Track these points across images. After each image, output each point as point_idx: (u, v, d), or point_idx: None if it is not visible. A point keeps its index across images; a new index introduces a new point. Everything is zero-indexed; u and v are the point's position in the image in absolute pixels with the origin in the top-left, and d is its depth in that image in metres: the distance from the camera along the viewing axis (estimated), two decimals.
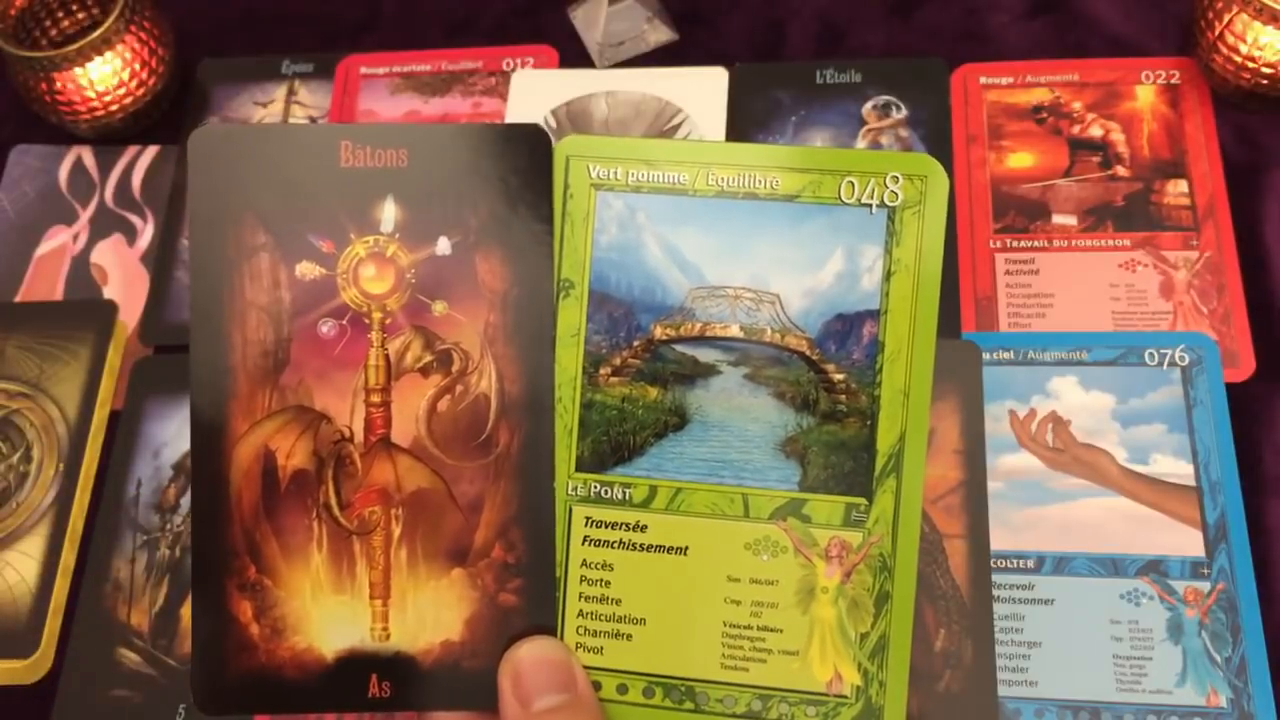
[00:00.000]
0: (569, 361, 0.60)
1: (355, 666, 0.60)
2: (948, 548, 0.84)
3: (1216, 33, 0.98)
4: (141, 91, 1.08)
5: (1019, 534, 0.86)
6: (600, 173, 0.60)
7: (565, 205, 0.60)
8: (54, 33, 1.12)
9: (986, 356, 0.90)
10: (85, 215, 1.09)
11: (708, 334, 0.60)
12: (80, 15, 1.13)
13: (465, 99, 1.11)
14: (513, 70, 1.11)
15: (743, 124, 1.06)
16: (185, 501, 0.94)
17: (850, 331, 0.59)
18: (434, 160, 0.60)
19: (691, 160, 0.60)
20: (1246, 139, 1.00)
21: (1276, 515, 0.86)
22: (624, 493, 0.60)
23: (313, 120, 1.11)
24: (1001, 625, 0.84)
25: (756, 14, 1.13)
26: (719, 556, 0.60)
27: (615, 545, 0.60)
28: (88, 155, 1.12)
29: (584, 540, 0.61)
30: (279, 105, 1.13)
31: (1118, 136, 1.01)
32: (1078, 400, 0.90)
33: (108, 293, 1.05)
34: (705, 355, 0.61)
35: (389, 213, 0.59)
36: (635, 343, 0.60)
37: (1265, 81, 0.97)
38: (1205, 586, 0.83)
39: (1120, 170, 0.99)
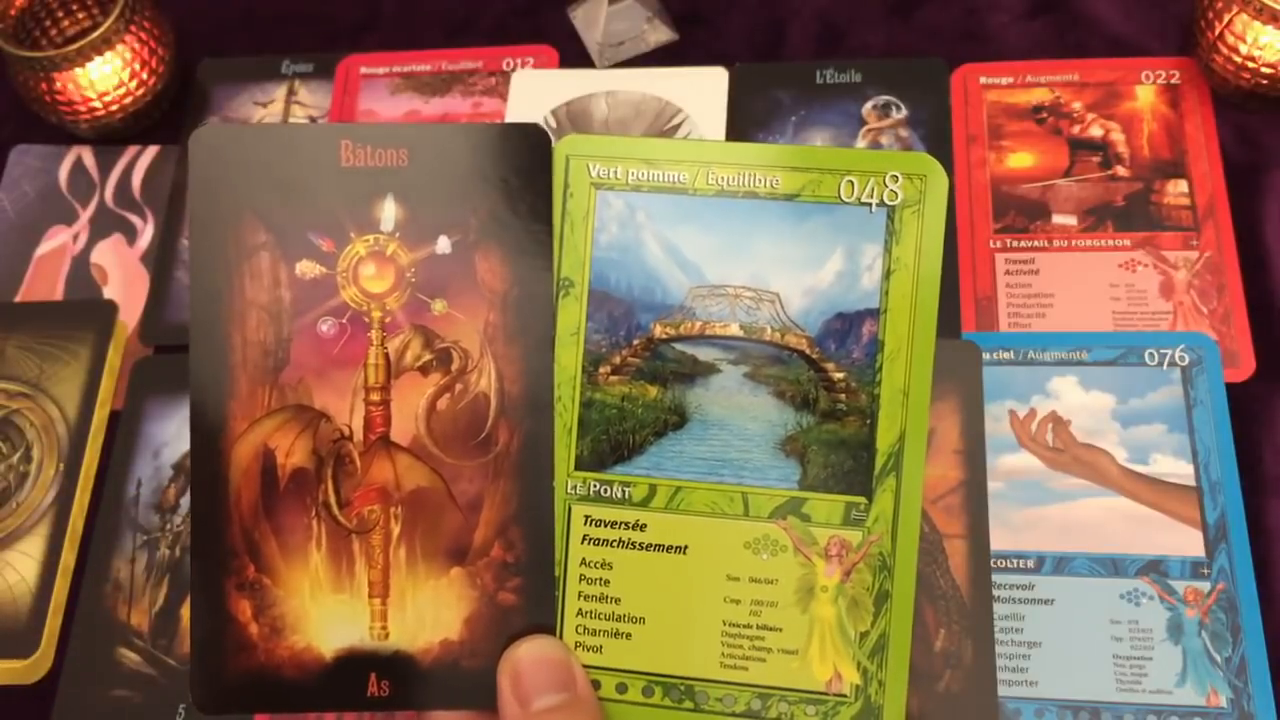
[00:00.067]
0: (569, 360, 0.60)
1: (354, 666, 0.60)
2: (948, 548, 0.84)
3: (1216, 33, 0.98)
4: (141, 91, 1.08)
5: (1019, 534, 0.86)
6: (600, 172, 0.60)
7: (565, 204, 0.60)
8: (54, 33, 1.12)
9: (986, 356, 0.90)
10: (85, 215, 1.09)
11: (707, 333, 0.60)
12: (80, 15, 1.13)
13: (465, 99, 1.11)
14: (513, 70, 1.11)
15: (743, 124, 1.06)
16: (185, 501, 0.94)
17: (850, 330, 0.59)
18: (434, 159, 0.60)
19: (691, 159, 0.60)
20: (1246, 139, 1.00)
21: (1276, 515, 0.86)
22: (623, 492, 0.60)
23: (313, 120, 1.11)
24: (1001, 625, 0.84)
25: (756, 14, 1.13)
26: (718, 555, 0.60)
27: (615, 544, 0.60)
28: (88, 155, 1.12)
29: (583, 539, 0.61)
30: (279, 105, 1.13)
31: (1118, 136, 1.01)
32: (1078, 400, 0.90)
33: (108, 293, 1.05)
34: (705, 354, 0.61)
35: (389, 212, 0.59)
36: (635, 341, 0.60)
37: (1265, 81, 0.97)
38: (1205, 586, 0.83)
39: (1120, 170, 0.99)
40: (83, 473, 0.96)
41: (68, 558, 0.93)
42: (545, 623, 0.60)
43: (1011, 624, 0.84)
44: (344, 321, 0.60)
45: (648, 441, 0.61)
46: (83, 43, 1.03)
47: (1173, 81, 1.03)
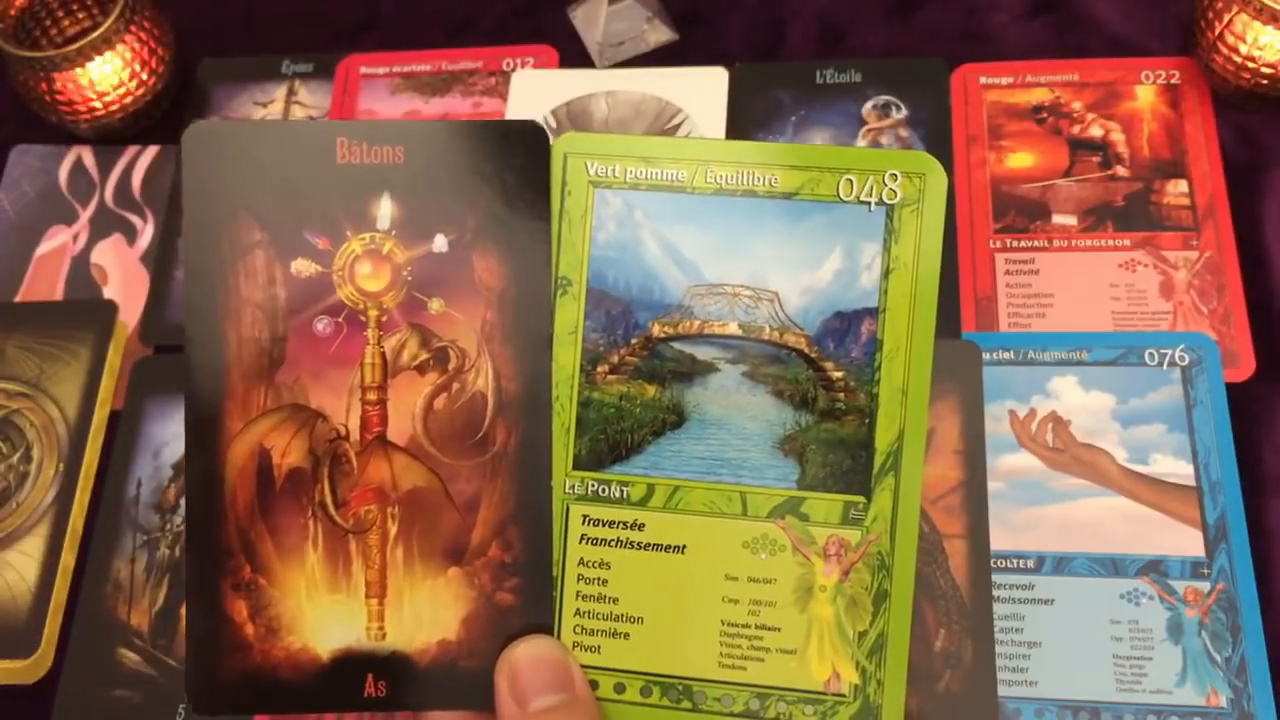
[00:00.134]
0: (566, 359, 0.60)
1: (351, 666, 0.60)
2: (948, 548, 0.84)
3: (1216, 33, 0.97)
4: (141, 91, 1.08)
5: (1019, 534, 0.86)
6: (598, 170, 0.60)
7: (563, 203, 0.60)
8: (54, 33, 1.12)
9: (986, 356, 0.90)
10: (85, 215, 1.09)
11: (706, 332, 0.60)
12: (80, 15, 1.13)
13: (465, 99, 1.11)
14: (513, 70, 1.11)
15: (743, 124, 1.06)
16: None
17: (849, 329, 0.59)
18: (431, 157, 0.59)
19: (690, 158, 0.60)
20: (1246, 139, 1.00)
21: (1276, 515, 0.86)
22: (621, 491, 0.60)
23: (312, 120, 1.11)
24: (1001, 625, 0.84)
25: (756, 14, 1.13)
26: (717, 555, 0.60)
27: (613, 544, 0.60)
28: (88, 155, 1.12)
29: (581, 539, 0.61)
30: (279, 105, 1.13)
31: (1118, 136, 1.01)
32: (1078, 400, 0.90)
33: (108, 293, 1.05)
34: (703, 353, 0.60)
35: (385, 210, 0.59)
36: (633, 340, 0.60)
37: (1265, 81, 0.97)
38: (1205, 586, 0.83)
39: (1120, 170, 0.99)
40: (83, 473, 0.95)
41: (68, 558, 0.93)
42: (543, 623, 0.60)
43: (1011, 624, 0.84)
44: (340, 320, 0.59)
45: (646, 441, 0.60)
46: (83, 43, 1.03)
47: (1173, 81, 1.03)
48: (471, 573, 0.60)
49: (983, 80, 1.05)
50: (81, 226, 1.08)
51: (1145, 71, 1.03)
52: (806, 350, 0.60)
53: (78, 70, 1.05)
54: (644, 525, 0.60)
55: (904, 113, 1.04)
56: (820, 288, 0.59)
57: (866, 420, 0.59)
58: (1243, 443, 0.88)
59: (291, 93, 1.13)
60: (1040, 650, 0.83)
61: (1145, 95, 1.02)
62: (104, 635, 0.90)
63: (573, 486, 0.61)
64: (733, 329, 0.60)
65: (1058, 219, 0.98)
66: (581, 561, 0.61)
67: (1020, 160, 1.01)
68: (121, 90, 1.07)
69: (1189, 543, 0.85)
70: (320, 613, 0.59)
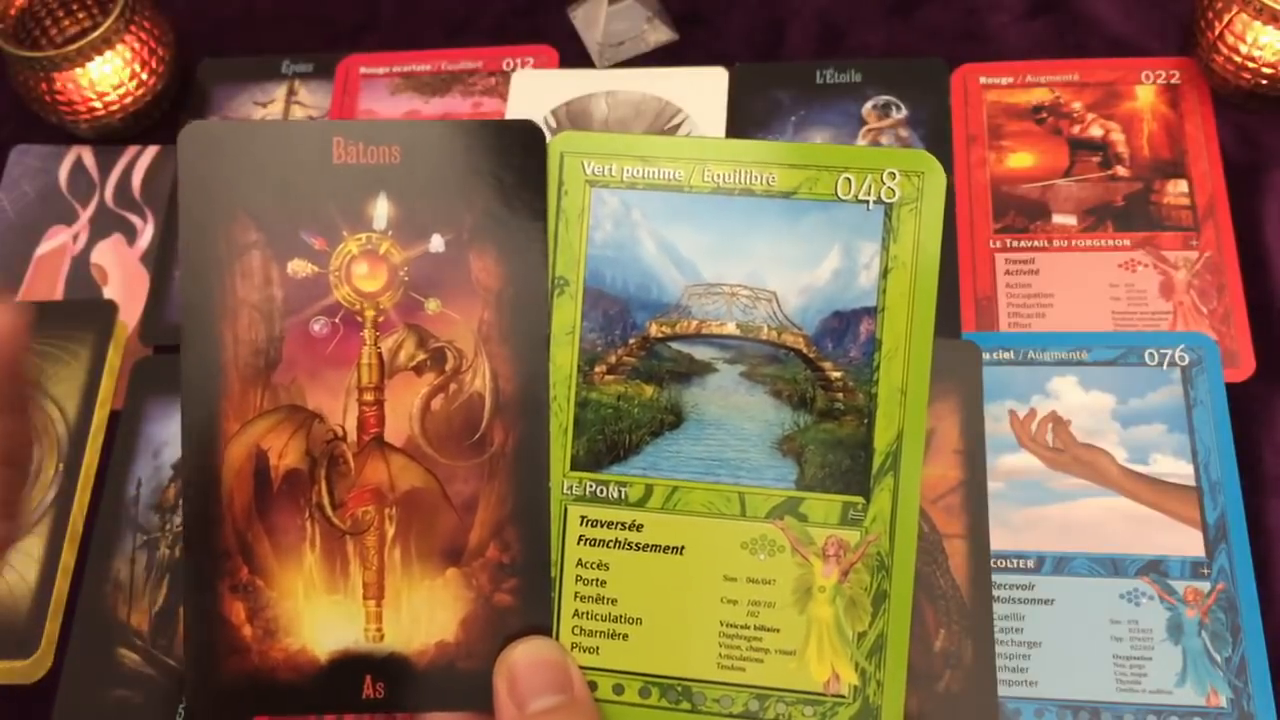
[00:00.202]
0: (564, 359, 0.60)
1: (349, 668, 0.60)
2: (948, 548, 0.84)
3: (1216, 33, 0.97)
4: (141, 91, 1.08)
5: (1019, 534, 0.86)
6: (595, 169, 0.60)
7: (560, 202, 0.60)
8: (54, 33, 1.12)
9: (986, 356, 0.90)
10: (85, 215, 1.09)
11: (704, 331, 0.60)
12: (80, 15, 1.13)
13: (465, 99, 1.10)
14: (513, 70, 1.11)
15: (743, 124, 1.06)
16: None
17: (847, 329, 0.59)
18: (427, 157, 0.59)
19: (687, 157, 0.60)
20: (1246, 139, 1.00)
21: (1276, 515, 0.86)
22: (620, 492, 0.60)
23: (312, 120, 1.11)
24: (1001, 625, 0.84)
25: (756, 14, 1.12)
26: (715, 556, 0.60)
27: (611, 545, 0.60)
28: (88, 155, 1.12)
29: (579, 540, 0.61)
30: (279, 105, 1.13)
31: (1118, 136, 1.01)
32: (1078, 400, 0.90)
33: (108, 293, 1.05)
34: (701, 353, 0.61)
35: (382, 210, 0.59)
36: (631, 340, 0.60)
37: (1265, 81, 0.96)
38: (1205, 586, 0.83)
39: (1120, 170, 0.99)
40: (83, 473, 0.95)
41: (68, 558, 0.93)
42: (541, 624, 0.60)
43: (1011, 624, 0.84)
44: (336, 321, 0.59)
45: (644, 441, 0.60)
46: (83, 43, 1.03)
47: (1173, 81, 1.03)
48: (469, 574, 0.60)
49: (983, 80, 1.05)
50: (81, 226, 1.08)
51: (1145, 71, 1.03)
52: (805, 350, 0.60)
53: (78, 70, 1.05)
54: (642, 526, 0.60)
55: (904, 113, 1.04)
56: (818, 287, 0.59)
57: (865, 420, 0.59)
58: (1243, 443, 0.88)
59: (291, 93, 1.13)
60: (1040, 650, 0.83)
61: (1145, 95, 1.02)
62: (104, 635, 0.90)
63: (571, 487, 0.61)
64: (730, 329, 0.60)
65: (1058, 219, 0.98)
66: (580, 562, 0.61)
67: (1020, 160, 1.01)
68: (121, 90, 1.07)
69: (1189, 543, 0.85)
70: (318, 614, 0.59)
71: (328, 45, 1.16)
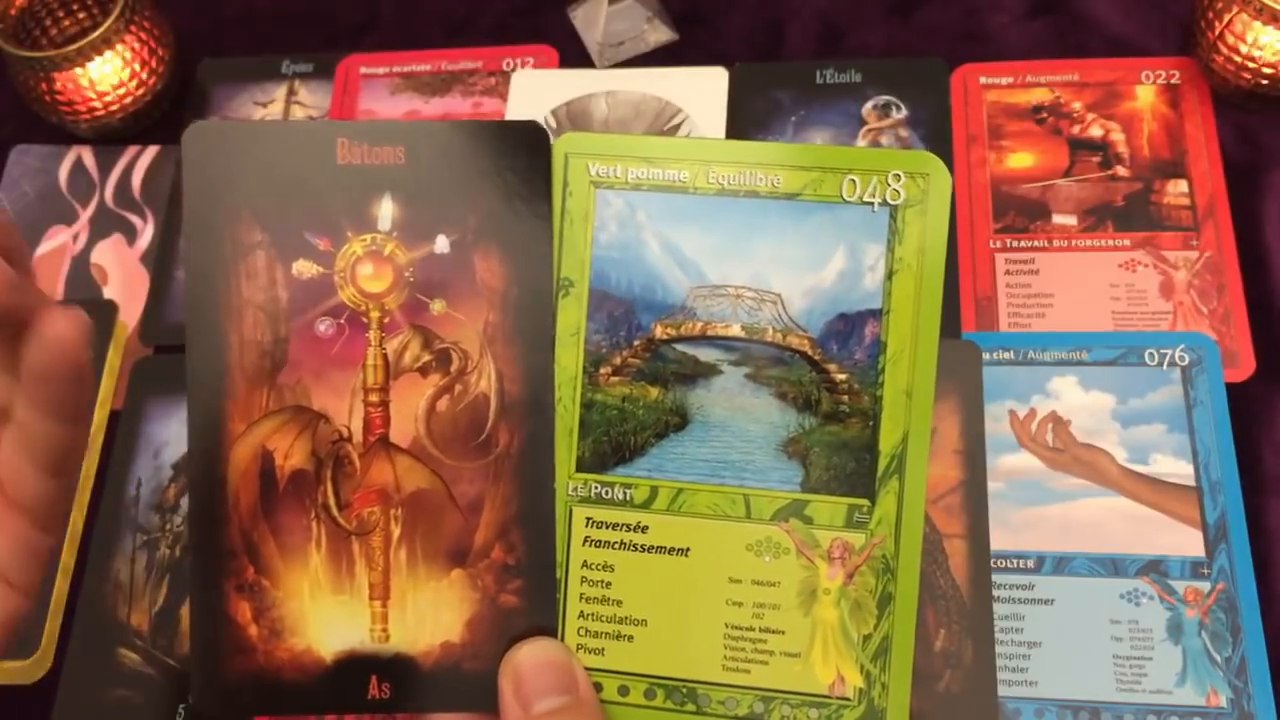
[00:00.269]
0: (569, 361, 0.60)
1: (355, 668, 0.60)
2: (948, 548, 0.84)
3: (1216, 33, 0.98)
4: (141, 91, 1.08)
5: (1019, 534, 0.86)
6: (600, 170, 0.60)
7: (564, 203, 0.60)
8: (54, 33, 1.12)
9: (986, 356, 0.90)
10: (85, 215, 1.09)
11: (709, 333, 0.60)
12: (80, 15, 1.13)
13: (465, 99, 1.10)
14: (513, 70, 1.11)
15: (743, 124, 1.06)
16: (185, 501, 0.93)
17: (852, 331, 0.59)
18: (432, 157, 0.59)
19: (692, 158, 0.60)
20: (1246, 139, 1.00)
21: (1276, 515, 0.86)
22: (625, 493, 0.60)
23: (312, 120, 1.11)
24: (1001, 625, 0.84)
25: (756, 14, 1.12)
26: (720, 558, 0.60)
27: (616, 546, 0.60)
28: (88, 155, 1.12)
29: (585, 541, 0.61)
30: (279, 105, 1.12)
31: (1118, 136, 1.01)
32: (1078, 400, 0.90)
33: (108, 293, 1.05)
34: (706, 355, 0.60)
35: (386, 210, 0.59)
36: (636, 342, 0.60)
37: (1265, 81, 0.97)
38: (1205, 586, 0.83)
39: (1120, 170, 0.99)
40: (83, 473, 0.95)
41: (67, 558, 0.92)
42: (547, 625, 0.60)
43: (1011, 624, 0.84)
44: (342, 322, 0.59)
45: (649, 443, 0.60)
46: (83, 43, 1.03)
47: (1173, 81, 1.03)
48: (475, 575, 0.60)
49: (983, 80, 1.05)
50: (81, 226, 1.08)
51: (1145, 71, 1.03)
52: (810, 352, 0.60)
53: (78, 70, 1.05)
54: (647, 528, 0.60)
55: (904, 113, 1.04)
56: (824, 289, 0.59)
57: (870, 423, 0.59)
58: (1243, 443, 0.88)
59: (291, 93, 1.13)
60: (1040, 650, 0.83)
61: (1145, 95, 1.02)
62: (104, 635, 0.90)
63: (576, 489, 0.61)
64: (736, 330, 0.60)
65: (1058, 219, 0.98)
66: (585, 564, 0.60)
67: (1020, 160, 1.01)
68: (121, 90, 1.07)
69: (1189, 543, 0.85)
70: (324, 614, 0.59)
71: (328, 45, 1.16)
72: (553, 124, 1.06)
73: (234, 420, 0.59)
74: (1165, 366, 0.90)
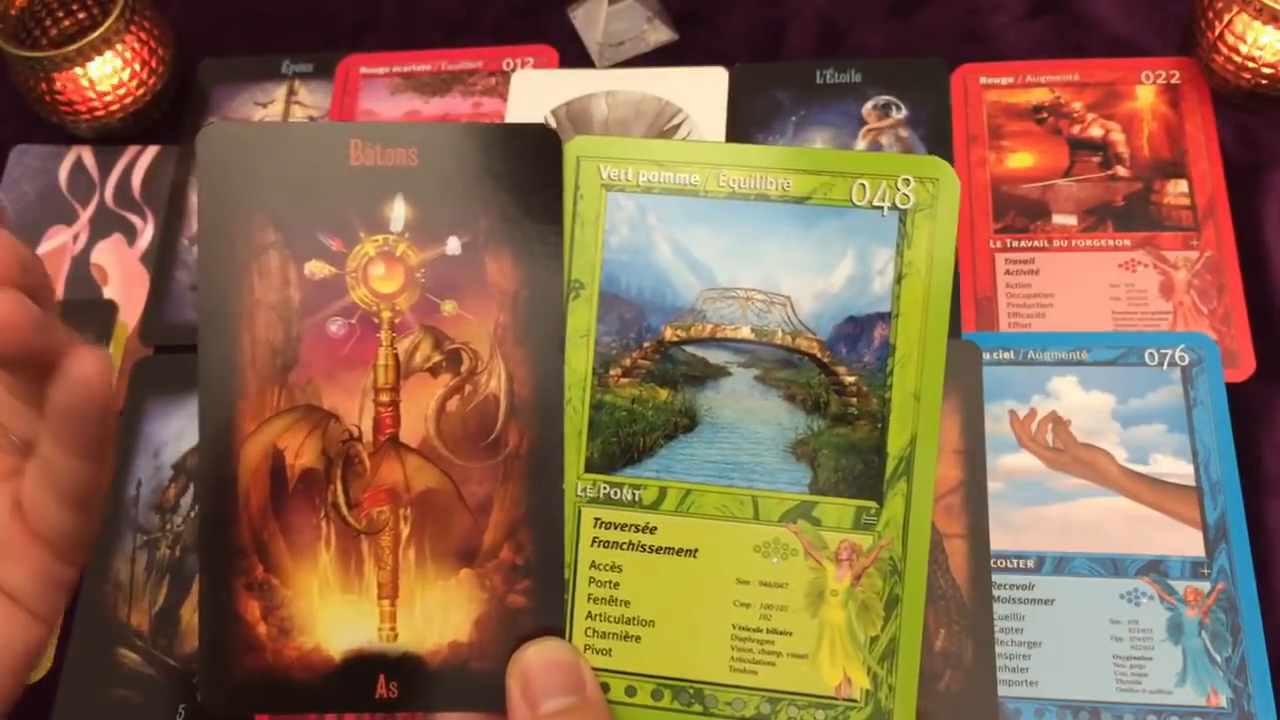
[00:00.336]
0: (579, 362, 0.60)
1: (363, 667, 0.60)
2: (948, 548, 0.84)
3: (1216, 33, 0.98)
4: (141, 91, 1.08)
5: (1019, 534, 0.87)
6: (611, 173, 0.60)
7: (576, 206, 0.60)
8: (54, 33, 1.12)
9: (986, 356, 0.91)
10: (85, 215, 1.08)
11: (718, 335, 0.60)
12: (80, 15, 1.13)
13: (465, 99, 1.10)
14: (513, 70, 1.11)
15: (743, 124, 1.06)
16: (185, 501, 0.93)
17: (861, 334, 0.59)
18: (444, 159, 0.60)
19: (702, 161, 0.60)
20: (1246, 139, 1.00)
21: (1276, 515, 0.87)
22: (633, 494, 0.60)
23: (312, 120, 1.11)
24: (1001, 625, 0.84)
25: (756, 14, 1.13)
26: (728, 559, 0.60)
27: (624, 547, 0.61)
28: (88, 155, 1.11)
29: (593, 541, 0.61)
30: (279, 105, 1.12)
31: (1118, 136, 1.01)
32: (1078, 400, 0.90)
33: (108, 293, 1.05)
34: (716, 357, 0.61)
35: (399, 212, 0.59)
36: (645, 344, 0.60)
37: (1265, 81, 0.97)
38: (1205, 586, 0.84)
39: (1120, 170, 1.00)
40: None
41: None
42: (555, 625, 0.60)
43: (1011, 624, 0.84)
44: (353, 322, 0.60)
45: (658, 444, 0.61)
46: (83, 43, 1.03)
47: (1173, 81, 1.03)
48: (483, 574, 0.60)
49: (983, 80, 1.05)
50: (81, 226, 1.08)
51: (1145, 71, 1.04)
52: (819, 355, 0.60)
53: (78, 70, 1.04)
54: (655, 528, 0.60)
55: (904, 113, 1.05)
56: (833, 292, 0.59)
57: (879, 425, 0.60)
58: (1243, 443, 0.88)
59: (291, 93, 1.13)
60: (1040, 650, 0.83)
61: (1145, 95, 1.03)
62: (104, 635, 0.90)
63: (584, 489, 0.61)
64: (745, 333, 0.60)
65: (1058, 219, 0.98)
66: (593, 564, 0.61)
67: (1020, 160, 1.01)
68: (121, 90, 1.07)
69: (1189, 543, 0.85)
70: (332, 613, 0.60)
71: (328, 45, 1.16)
72: (552, 124, 1.06)
73: (245, 419, 0.59)
74: (1165, 366, 0.90)
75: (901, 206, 0.59)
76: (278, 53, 1.15)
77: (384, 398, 0.60)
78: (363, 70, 1.13)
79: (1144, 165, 0.99)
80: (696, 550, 0.60)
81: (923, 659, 0.79)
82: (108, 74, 1.06)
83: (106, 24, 1.03)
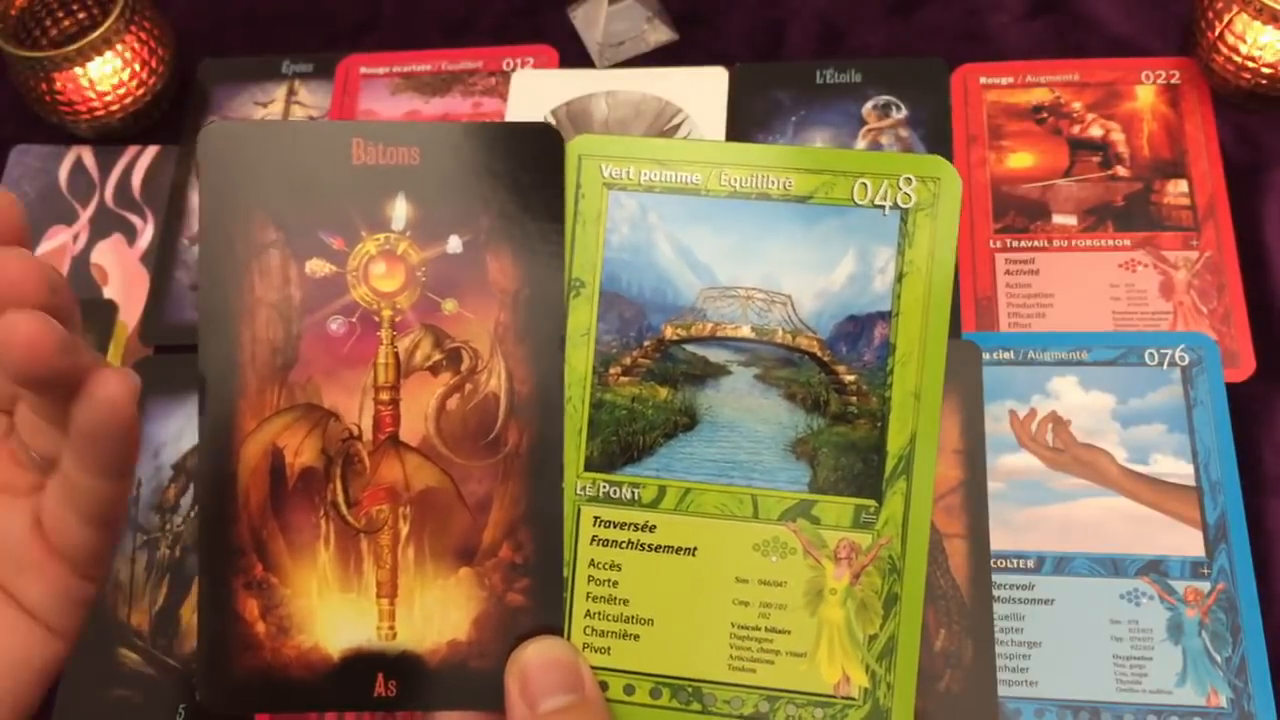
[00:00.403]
0: (579, 361, 0.60)
1: (361, 665, 0.60)
2: (948, 548, 0.84)
3: (1216, 33, 0.98)
4: (141, 91, 1.08)
5: (1019, 534, 0.87)
6: (612, 172, 0.60)
7: (577, 204, 0.60)
8: (54, 33, 1.12)
9: (986, 356, 0.91)
10: (85, 215, 1.08)
11: (719, 334, 0.60)
12: (80, 15, 1.13)
13: (465, 99, 1.10)
14: (513, 70, 1.11)
15: (743, 124, 1.06)
16: (185, 501, 0.93)
17: (861, 333, 0.59)
18: (446, 158, 0.60)
19: (704, 160, 0.60)
20: (1246, 139, 1.00)
21: (1276, 515, 0.87)
22: (633, 493, 0.60)
23: (312, 120, 1.11)
24: (1001, 625, 0.84)
25: (756, 14, 1.13)
26: (727, 557, 0.60)
27: (624, 545, 0.60)
28: (88, 155, 1.11)
29: (592, 540, 0.61)
30: (279, 105, 1.12)
31: (1118, 136, 1.01)
32: (1078, 400, 0.90)
33: (108, 293, 1.05)
34: (716, 356, 0.61)
35: (400, 210, 0.59)
36: (646, 343, 0.60)
37: (1265, 81, 0.97)
38: (1205, 586, 0.84)
39: (1120, 170, 1.00)
40: None
41: None
42: (553, 624, 0.60)
43: (1011, 624, 0.84)
44: (354, 320, 0.59)
45: (658, 443, 0.60)
46: (83, 43, 1.03)
47: (1173, 81, 1.03)
48: (482, 573, 0.60)
49: (983, 80, 1.05)
50: (81, 226, 1.08)
51: (1145, 71, 1.04)
52: (819, 353, 0.60)
53: (77, 70, 1.04)
54: (655, 527, 0.60)
55: (904, 113, 1.05)
56: (833, 291, 0.59)
57: (878, 424, 0.60)
58: (1243, 443, 0.88)
59: (291, 93, 1.13)
60: (1040, 650, 0.83)
61: (1145, 95, 1.03)
62: (104, 635, 0.90)
63: (584, 488, 0.61)
64: (745, 332, 0.60)
65: (1058, 219, 0.98)
66: (592, 563, 0.61)
67: (1020, 160, 1.01)
68: (121, 90, 1.07)
69: (1189, 543, 0.85)
70: (331, 612, 0.60)
71: (328, 45, 1.16)
72: (553, 124, 1.06)
73: (245, 417, 0.59)
74: (1165, 366, 0.90)
75: (903, 206, 0.59)
76: (278, 53, 1.15)
77: (384, 396, 0.59)
78: (363, 70, 1.13)
79: (1144, 165, 0.99)
80: (696, 549, 0.60)
81: (922, 658, 0.79)
82: (108, 74, 1.06)
83: (106, 24, 1.03)
